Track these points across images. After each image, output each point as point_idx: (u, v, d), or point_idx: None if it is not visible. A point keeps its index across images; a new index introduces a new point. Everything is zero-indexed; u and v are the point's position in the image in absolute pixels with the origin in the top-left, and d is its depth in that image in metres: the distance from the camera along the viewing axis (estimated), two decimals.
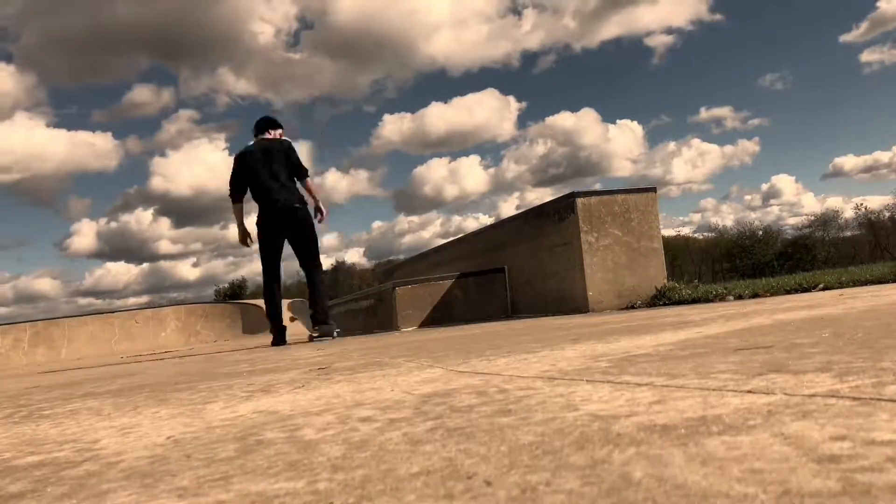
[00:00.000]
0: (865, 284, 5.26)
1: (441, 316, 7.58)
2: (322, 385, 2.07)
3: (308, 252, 6.09)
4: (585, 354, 2.08)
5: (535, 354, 2.26)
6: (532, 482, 0.75)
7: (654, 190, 6.59)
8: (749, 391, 1.12)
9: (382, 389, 1.77)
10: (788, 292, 5.33)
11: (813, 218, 50.89)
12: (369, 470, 0.89)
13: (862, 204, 49.96)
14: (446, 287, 7.75)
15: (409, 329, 7.28)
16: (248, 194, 6.06)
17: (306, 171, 6.04)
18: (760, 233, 51.39)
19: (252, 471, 0.98)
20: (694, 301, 5.71)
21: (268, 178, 5.84)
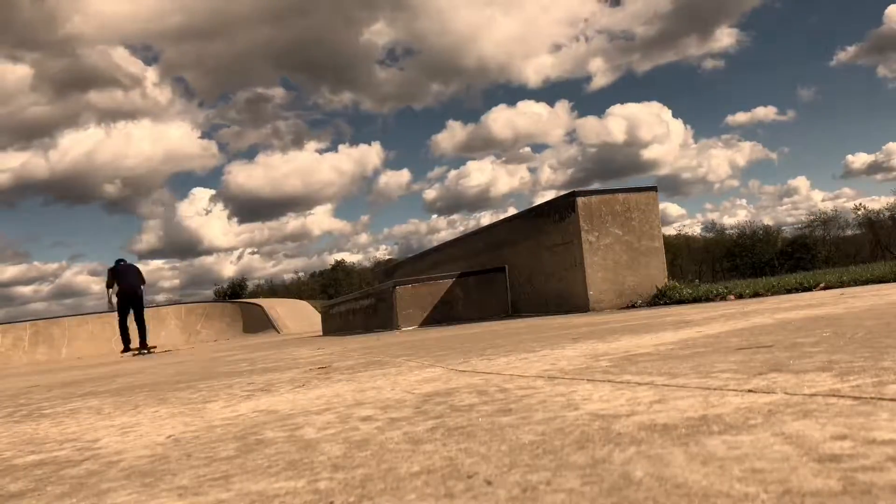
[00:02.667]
0: (866, 284, 5.25)
1: (441, 315, 7.58)
2: (322, 384, 2.07)
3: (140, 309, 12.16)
4: (586, 354, 2.07)
5: (535, 354, 2.26)
6: (532, 481, 0.75)
7: (654, 189, 6.58)
8: (750, 390, 1.12)
9: (383, 389, 1.77)
10: (789, 291, 5.33)
11: (812, 217, 50.94)
12: (370, 469, 0.89)
13: (861, 205, 50.03)
14: (447, 286, 7.75)
15: (410, 328, 7.28)
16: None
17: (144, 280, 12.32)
18: (761, 232, 51.42)
19: (252, 470, 0.97)
20: (695, 300, 5.71)
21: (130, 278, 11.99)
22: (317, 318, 15.89)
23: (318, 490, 0.82)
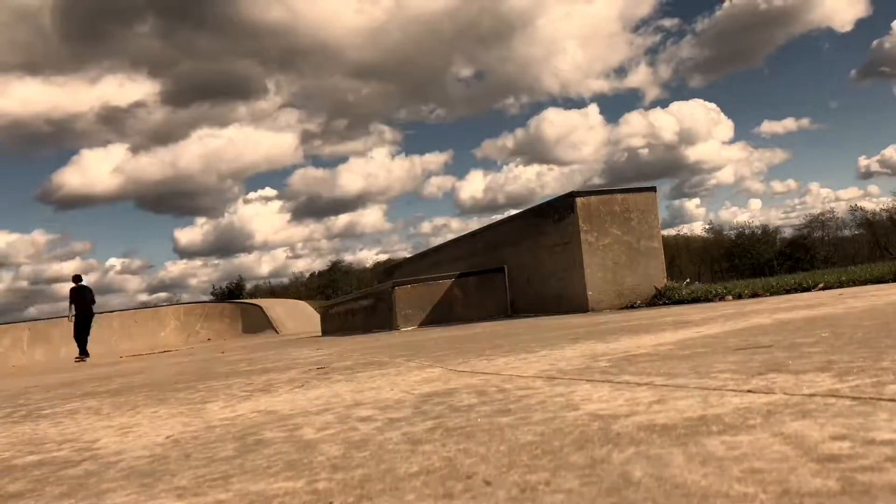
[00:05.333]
0: (865, 284, 5.25)
1: (441, 315, 7.57)
2: (321, 384, 2.07)
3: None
4: (585, 354, 2.07)
5: (534, 354, 2.26)
6: (531, 482, 0.75)
7: (653, 189, 6.58)
8: (749, 391, 1.12)
9: (382, 389, 1.77)
10: (788, 292, 5.33)
11: (810, 218, 51.08)
12: (369, 469, 0.89)
13: (858, 206, 50.21)
14: (446, 287, 7.75)
15: (409, 329, 7.27)
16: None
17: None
18: (759, 232, 51.46)
19: (251, 470, 0.97)
20: (694, 301, 5.71)
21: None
22: (316, 318, 15.90)
23: (317, 490, 0.82)
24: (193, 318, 18.31)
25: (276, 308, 17.93)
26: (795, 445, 0.76)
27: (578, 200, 6.27)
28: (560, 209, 6.55)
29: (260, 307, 17.83)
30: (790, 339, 1.85)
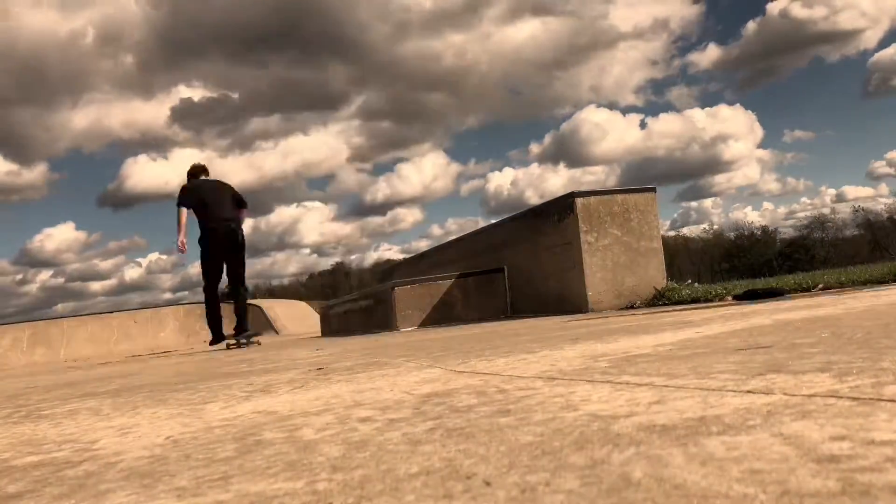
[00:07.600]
0: (864, 284, 5.25)
1: (440, 316, 7.57)
2: (321, 385, 2.07)
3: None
4: (585, 354, 2.07)
5: (534, 354, 2.26)
6: (531, 482, 0.75)
7: (653, 190, 6.58)
8: (749, 391, 1.12)
9: (382, 389, 1.77)
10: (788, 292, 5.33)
11: (811, 218, 51.26)
12: (368, 470, 0.89)
13: (860, 207, 50.45)
14: (445, 287, 7.74)
15: (409, 329, 7.27)
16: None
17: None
18: (759, 233, 51.52)
19: (251, 471, 0.97)
20: (693, 301, 5.71)
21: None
22: (315, 318, 15.88)
23: (317, 491, 0.82)
24: (194, 318, 18.28)
25: (275, 308, 17.91)
26: (795, 446, 0.76)
27: (578, 201, 6.27)
28: (560, 210, 6.55)
29: (259, 307, 17.80)
30: (790, 339, 1.85)
